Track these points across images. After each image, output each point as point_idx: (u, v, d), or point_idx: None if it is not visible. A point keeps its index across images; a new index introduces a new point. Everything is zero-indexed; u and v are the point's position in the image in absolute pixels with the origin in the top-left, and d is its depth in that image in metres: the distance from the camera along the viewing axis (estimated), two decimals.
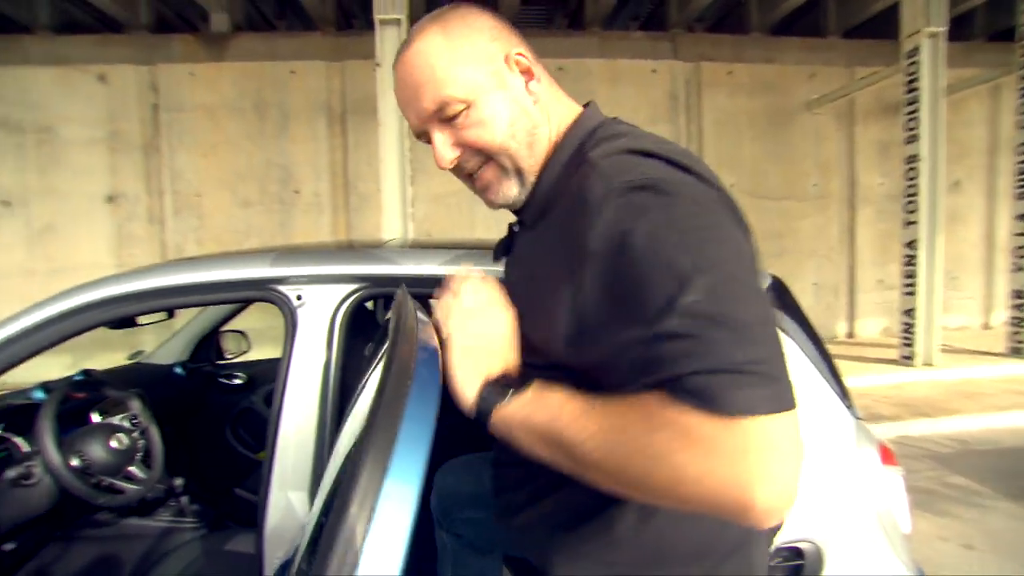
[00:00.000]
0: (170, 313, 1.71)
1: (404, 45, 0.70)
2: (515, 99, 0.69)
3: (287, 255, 1.14)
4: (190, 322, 2.22)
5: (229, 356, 2.26)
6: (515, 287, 0.74)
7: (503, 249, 0.83)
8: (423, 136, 0.72)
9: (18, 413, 1.45)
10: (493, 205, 0.75)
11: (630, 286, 0.53)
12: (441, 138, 0.70)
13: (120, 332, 1.70)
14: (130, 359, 2.20)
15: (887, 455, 1.23)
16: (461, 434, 0.98)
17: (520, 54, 0.70)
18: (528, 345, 0.70)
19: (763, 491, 0.45)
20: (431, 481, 1.20)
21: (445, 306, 0.71)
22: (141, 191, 5.92)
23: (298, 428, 1.03)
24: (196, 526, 1.67)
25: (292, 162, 6.06)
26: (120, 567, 1.57)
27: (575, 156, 0.68)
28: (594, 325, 0.57)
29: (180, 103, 5.87)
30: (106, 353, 2.50)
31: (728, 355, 0.47)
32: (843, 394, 1.29)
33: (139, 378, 1.93)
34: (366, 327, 1.34)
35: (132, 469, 1.42)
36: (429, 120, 0.70)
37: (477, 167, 0.72)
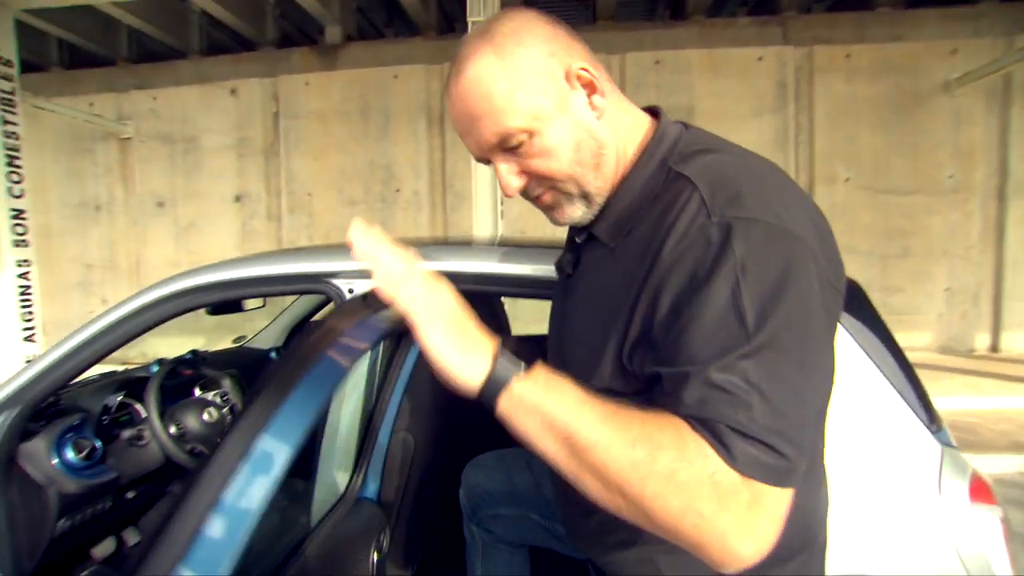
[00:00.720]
0: (239, 304, 1.87)
1: (455, 70, 0.65)
2: (579, 121, 0.66)
3: (341, 251, 1.22)
4: (285, 310, 2.45)
5: None
6: (581, 302, 0.73)
7: (570, 264, 0.79)
8: (485, 161, 0.70)
9: (139, 384, 1.68)
10: (558, 224, 0.73)
11: (699, 320, 0.54)
12: (505, 168, 0.67)
13: (240, 317, 1.93)
14: (234, 343, 2.46)
15: (980, 491, 1.07)
16: (487, 428, 1.00)
17: (582, 68, 0.65)
18: (569, 362, 0.70)
19: (748, 547, 0.50)
20: (459, 476, 1.24)
21: (390, 279, 0.62)
22: (262, 191, 6.57)
23: (344, 413, 1.10)
24: (286, 509, 1.85)
25: (393, 162, 6.39)
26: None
27: (659, 171, 0.65)
28: (652, 346, 0.58)
29: (296, 110, 6.42)
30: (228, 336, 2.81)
31: (758, 424, 0.50)
32: (928, 416, 1.15)
33: (239, 360, 2.16)
34: None
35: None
36: (491, 151, 0.67)
37: (543, 193, 0.70)
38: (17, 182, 5.16)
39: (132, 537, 1.64)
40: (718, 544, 0.50)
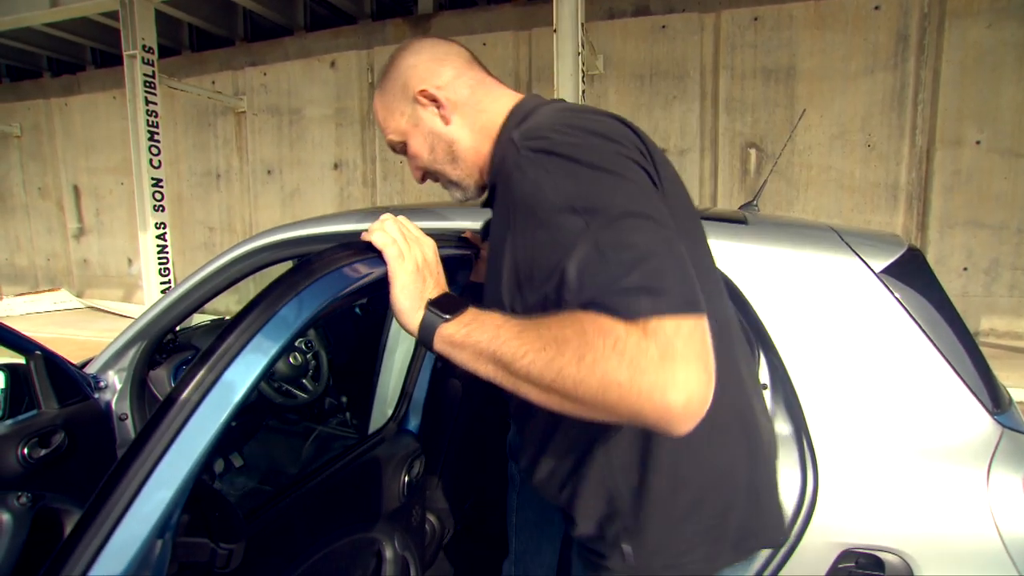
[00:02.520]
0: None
1: None
2: (429, 131, 0.86)
3: (392, 211, 1.33)
4: None
5: None
6: (487, 260, 0.85)
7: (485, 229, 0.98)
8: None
9: None
10: (457, 201, 0.95)
11: (547, 231, 0.63)
12: (408, 163, 0.93)
13: None
14: None
15: None
16: None
17: (422, 92, 0.84)
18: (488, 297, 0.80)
19: (677, 396, 0.52)
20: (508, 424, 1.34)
21: (385, 235, 0.74)
22: (358, 159, 6.96)
23: (396, 355, 1.22)
24: (353, 433, 2.07)
25: None
26: (297, 455, 2.03)
27: (508, 142, 0.74)
28: (529, 269, 0.67)
29: None
30: None
31: (627, 278, 0.56)
32: (991, 396, 1.08)
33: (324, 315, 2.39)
34: (454, 277, 1.51)
35: (304, 382, 1.82)
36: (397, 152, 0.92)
37: (436, 180, 0.93)
38: (156, 155, 5.87)
39: (236, 460, 1.91)
40: (649, 405, 0.52)
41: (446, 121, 0.85)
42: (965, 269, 5.10)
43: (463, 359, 0.64)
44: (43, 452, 1.26)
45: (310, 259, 0.68)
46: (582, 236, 0.59)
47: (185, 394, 0.57)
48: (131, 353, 1.59)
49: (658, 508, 0.76)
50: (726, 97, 5.51)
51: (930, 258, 5.48)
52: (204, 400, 0.57)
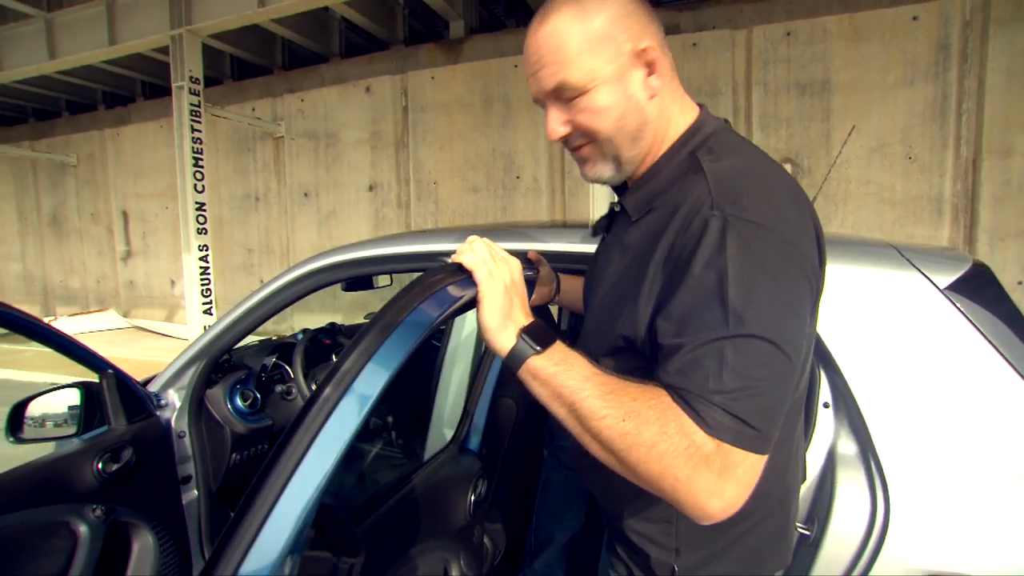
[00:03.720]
0: (370, 281, 2.09)
1: (540, 14, 0.73)
2: (631, 94, 0.73)
3: (460, 233, 1.36)
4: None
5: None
6: (605, 267, 0.83)
7: (602, 227, 0.90)
8: (540, 103, 0.78)
9: (289, 348, 1.99)
10: (587, 179, 0.81)
11: (690, 302, 0.62)
12: (555, 114, 0.75)
13: (371, 295, 2.19)
14: (365, 319, 2.78)
15: None
16: None
17: (649, 47, 0.72)
18: (594, 322, 0.81)
19: (717, 506, 0.58)
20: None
21: (475, 256, 0.75)
22: (392, 180, 7.11)
23: (454, 375, 1.24)
24: (400, 453, 2.09)
25: (514, 150, 6.58)
26: (351, 475, 2.07)
27: (687, 160, 0.74)
28: (662, 318, 0.65)
29: (423, 104, 6.85)
30: (361, 312, 3.15)
31: (729, 397, 0.58)
32: None
33: None
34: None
35: None
36: (547, 96, 0.75)
37: (581, 145, 0.78)
38: (200, 179, 6.11)
39: None
40: (691, 502, 0.58)
41: (651, 95, 0.74)
42: (1020, 283, 4.91)
43: (541, 393, 0.66)
44: (115, 467, 1.31)
45: (415, 283, 0.70)
46: (717, 333, 0.59)
47: (314, 410, 0.60)
48: (190, 372, 1.65)
49: (709, 536, 0.79)
50: (760, 113, 5.47)
51: None
52: (332, 414, 0.60)
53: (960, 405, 1.02)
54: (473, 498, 1.10)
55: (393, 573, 0.87)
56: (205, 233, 6.28)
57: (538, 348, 0.67)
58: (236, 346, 1.89)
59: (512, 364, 0.68)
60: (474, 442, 1.20)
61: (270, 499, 0.56)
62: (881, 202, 5.17)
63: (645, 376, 0.64)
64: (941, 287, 1.08)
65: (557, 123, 0.76)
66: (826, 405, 1.10)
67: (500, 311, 0.71)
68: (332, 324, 2.21)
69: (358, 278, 1.56)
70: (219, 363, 1.80)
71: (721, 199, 0.64)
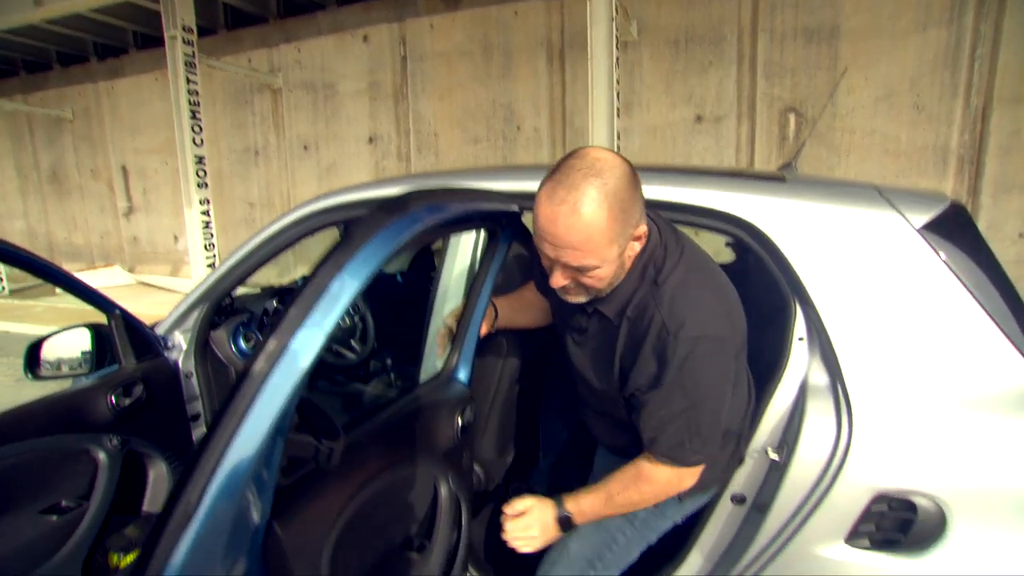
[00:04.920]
0: None
1: (574, 201, 0.88)
2: (623, 261, 0.99)
3: (451, 175, 1.39)
4: None
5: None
6: (586, 345, 1.16)
7: (580, 327, 1.16)
8: (549, 261, 0.98)
9: (289, 293, 2.05)
10: (567, 300, 1.07)
11: (657, 396, 1.02)
12: (562, 274, 0.98)
13: None
14: None
15: None
16: None
17: (643, 228, 0.97)
18: (589, 384, 1.19)
19: (683, 489, 1.12)
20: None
21: (526, 540, 1.15)
22: (392, 132, 7.03)
23: (445, 308, 1.29)
24: (395, 388, 2.18)
25: (514, 100, 6.47)
26: (349, 410, 2.16)
27: (640, 275, 1.03)
28: (639, 400, 1.06)
29: (422, 53, 6.69)
30: None
31: (687, 441, 1.04)
32: None
33: (372, 283, 2.50)
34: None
35: (352, 343, 1.93)
36: (561, 264, 0.96)
37: (574, 289, 1.03)
38: (199, 132, 6.06)
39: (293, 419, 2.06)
40: (676, 493, 1.13)
41: (632, 253, 1.00)
42: (1021, 235, 4.89)
43: (582, 519, 1.16)
44: (127, 401, 1.39)
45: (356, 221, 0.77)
46: (685, 412, 1.01)
47: (301, 299, 0.67)
48: (194, 315, 1.71)
49: None
50: (765, 61, 5.34)
51: (982, 224, 5.25)
52: (316, 305, 0.67)
53: (926, 339, 1.07)
54: (460, 422, 1.17)
55: (383, 483, 0.94)
56: (205, 187, 6.27)
57: (567, 516, 1.15)
58: (238, 293, 1.95)
59: (564, 528, 1.16)
60: (463, 374, 1.27)
61: (258, 380, 0.63)
62: (885, 153, 5.11)
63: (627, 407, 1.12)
64: (917, 226, 1.12)
65: (562, 280, 0.99)
66: (800, 339, 1.15)
67: (550, 534, 1.16)
68: None
69: (351, 221, 1.60)
70: (222, 307, 1.86)
71: (672, 322, 0.97)
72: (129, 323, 1.51)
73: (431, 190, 0.86)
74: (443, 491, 1.10)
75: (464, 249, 1.29)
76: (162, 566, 0.56)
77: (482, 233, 1.29)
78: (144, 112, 8.70)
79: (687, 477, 1.09)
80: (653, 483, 1.09)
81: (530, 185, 1.38)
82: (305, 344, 0.67)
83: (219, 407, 0.63)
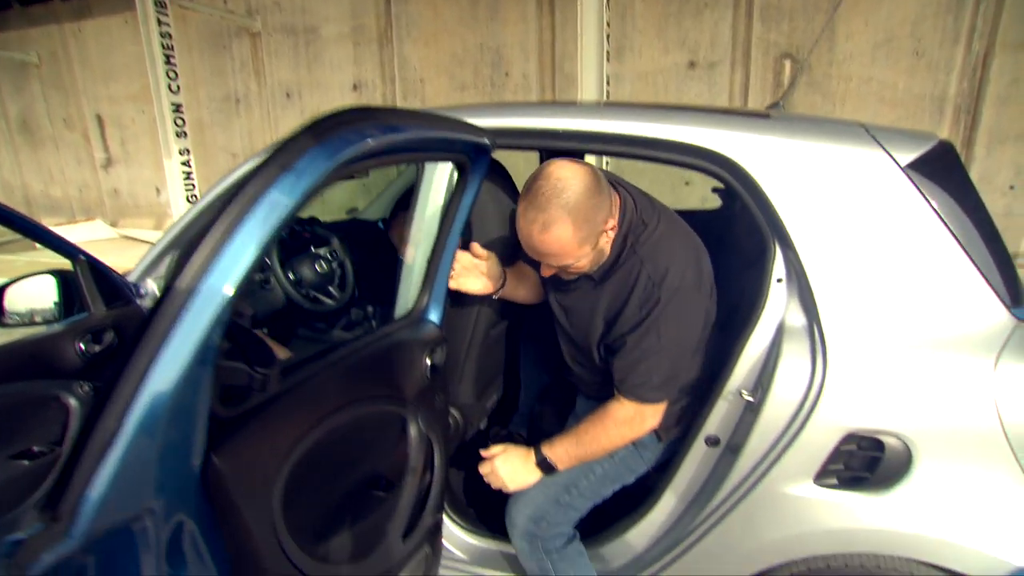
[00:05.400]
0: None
1: (542, 220, 1.06)
2: (600, 248, 1.15)
3: (443, 112, 1.33)
4: (391, 184, 2.67)
5: None
6: (572, 306, 1.31)
7: (567, 284, 1.29)
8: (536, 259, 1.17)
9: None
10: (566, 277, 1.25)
11: (635, 338, 1.16)
12: (545, 267, 1.18)
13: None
14: (347, 214, 2.76)
15: None
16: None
17: (610, 224, 1.13)
18: (573, 340, 1.34)
19: (649, 428, 1.25)
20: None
21: (497, 478, 1.29)
22: (377, 79, 6.79)
23: (418, 246, 1.26)
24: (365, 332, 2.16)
25: (503, 44, 6.23)
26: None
27: (622, 243, 1.18)
28: (610, 343, 1.22)
29: None
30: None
31: (652, 379, 1.17)
32: (1011, 291, 1.08)
33: (351, 229, 2.44)
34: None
35: (331, 289, 1.90)
36: (546, 264, 1.17)
37: (564, 274, 1.22)
38: (174, 79, 5.82)
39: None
40: (642, 432, 1.25)
41: (610, 238, 1.16)
42: (1012, 187, 4.86)
43: (558, 461, 1.28)
44: (97, 348, 1.36)
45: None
46: (654, 353, 1.15)
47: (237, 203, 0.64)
48: (166, 262, 1.67)
49: None
50: (761, 5, 5.13)
51: (974, 175, 5.18)
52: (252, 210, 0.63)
53: (904, 280, 1.06)
54: (430, 362, 1.15)
55: (345, 419, 0.93)
56: (185, 137, 6.08)
57: (544, 459, 1.28)
58: None
59: (543, 469, 1.29)
60: (435, 315, 1.24)
61: (179, 303, 0.60)
62: (881, 102, 5.00)
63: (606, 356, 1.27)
64: (902, 164, 1.08)
65: (549, 272, 1.20)
66: (779, 280, 1.13)
67: (524, 478, 1.30)
68: (312, 218, 2.21)
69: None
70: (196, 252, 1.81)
71: (654, 275, 1.14)
72: (96, 269, 1.46)
73: (380, 107, 0.80)
74: (412, 431, 1.09)
75: (437, 186, 1.24)
76: (77, 499, 0.54)
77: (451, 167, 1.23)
78: (116, 57, 8.32)
79: (649, 416, 1.21)
80: (618, 422, 1.20)
81: (507, 122, 1.33)
82: (231, 264, 0.63)
83: (135, 333, 0.59)
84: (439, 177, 1.25)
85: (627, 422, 1.20)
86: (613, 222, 1.13)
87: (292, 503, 0.81)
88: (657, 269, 1.13)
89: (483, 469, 1.31)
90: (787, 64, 5.19)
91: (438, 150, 1.08)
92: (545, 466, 1.28)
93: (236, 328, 0.72)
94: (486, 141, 1.11)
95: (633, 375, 1.16)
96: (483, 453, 1.32)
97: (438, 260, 1.19)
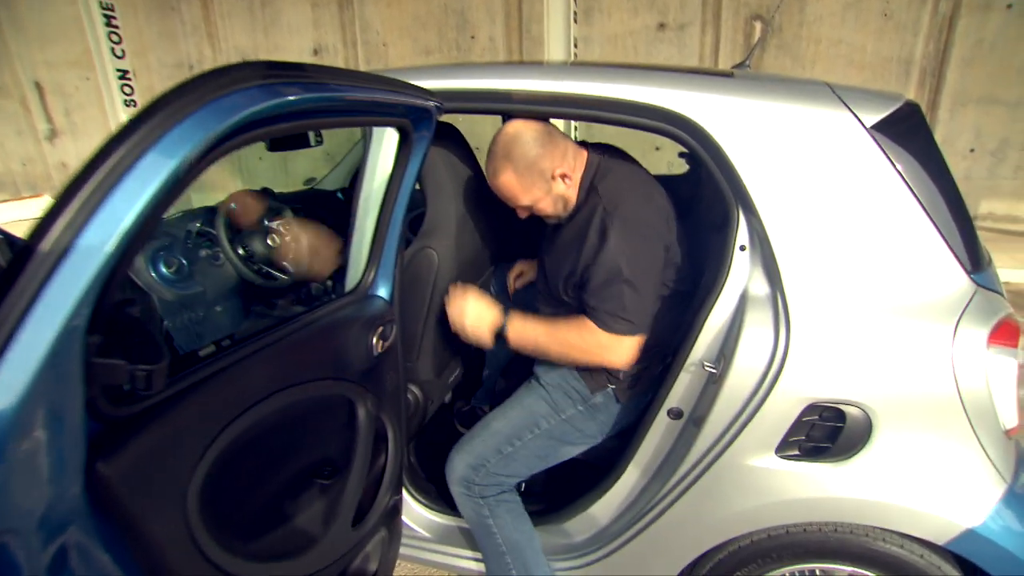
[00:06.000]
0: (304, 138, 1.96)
1: (491, 170, 1.27)
2: (559, 194, 1.28)
3: (391, 73, 1.23)
4: (349, 152, 2.55)
5: None
6: (550, 249, 1.38)
7: (551, 228, 1.41)
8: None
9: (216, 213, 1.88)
10: (549, 222, 1.37)
11: (597, 265, 1.20)
12: (520, 209, 1.32)
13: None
14: (305, 184, 2.63)
15: (1006, 335, 1.00)
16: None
17: (561, 173, 1.25)
18: (547, 282, 1.39)
19: (616, 362, 1.24)
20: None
21: (457, 308, 1.35)
22: (339, 43, 6.49)
23: (366, 217, 1.18)
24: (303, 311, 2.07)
25: (467, 6, 5.99)
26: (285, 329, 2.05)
27: (588, 188, 1.28)
28: (578, 279, 1.26)
29: None
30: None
31: (619, 307, 1.19)
32: (969, 255, 1.05)
33: (309, 200, 2.32)
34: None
35: (285, 264, 1.80)
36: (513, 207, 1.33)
37: (534, 215, 1.34)
38: (118, 43, 5.46)
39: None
40: (601, 364, 1.26)
41: (567, 186, 1.27)
42: (972, 151, 4.93)
43: (516, 345, 1.32)
44: None
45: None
46: (616, 277, 1.18)
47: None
48: None
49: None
50: None
51: (938, 138, 5.24)
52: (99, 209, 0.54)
53: (867, 246, 1.02)
54: (375, 340, 1.09)
55: (276, 407, 0.86)
56: (134, 105, 5.75)
57: (505, 328, 1.32)
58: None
59: (501, 337, 1.33)
60: (383, 290, 1.17)
61: (29, 292, 0.51)
62: (850, 64, 4.98)
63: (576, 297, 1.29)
64: (868, 125, 1.04)
65: (522, 214, 1.34)
66: (742, 248, 1.09)
67: (480, 328, 1.33)
68: (265, 189, 2.09)
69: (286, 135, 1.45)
70: None
71: (609, 206, 1.21)
72: (12, 244, 1.34)
73: (293, 63, 0.71)
74: (361, 413, 1.03)
75: (385, 154, 1.16)
76: None
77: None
78: (51, 18, 7.74)
79: (616, 350, 1.22)
80: (587, 335, 1.22)
81: (456, 84, 1.24)
82: (97, 239, 0.53)
83: None
84: (387, 144, 1.16)
85: (596, 344, 1.21)
86: (564, 170, 1.24)
87: (214, 503, 0.75)
88: (612, 201, 1.22)
89: (453, 296, 1.36)
90: (757, 25, 5.11)
91: (371, 114, 0.98)
92: (503, 330, 1.31)
93: (120, 318, 0.64)
94: (431, 104, 1.02)
95: (601, 303, 1.19)
96: (457, 288, 1.37)
97: (384, 232, 1.11)
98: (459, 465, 1.34)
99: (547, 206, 1.28)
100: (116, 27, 5.39)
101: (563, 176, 1.25)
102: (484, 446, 1.33)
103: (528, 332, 1.29)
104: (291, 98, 0.68)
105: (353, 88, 0.80)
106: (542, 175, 1.23)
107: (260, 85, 0.64)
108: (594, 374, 1.32)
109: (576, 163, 1.28)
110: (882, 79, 4.93)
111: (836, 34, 4.92)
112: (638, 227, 1.20)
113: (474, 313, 1.33)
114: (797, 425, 1.04)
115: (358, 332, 1.05)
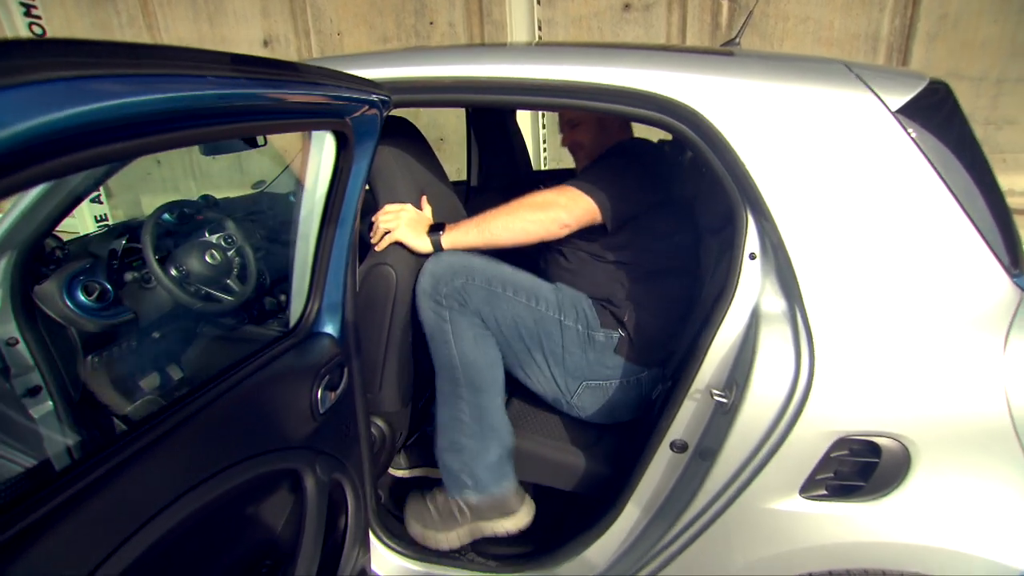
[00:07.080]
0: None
1: None
2: (596, 134, 1.47)
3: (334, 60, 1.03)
4: (299, 154, 2.32)
5: None
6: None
7: None
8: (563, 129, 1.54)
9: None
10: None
11: (595, 172, 1.31)
12: (565, 136, 1.52)
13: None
14: (253, 188, 2.39)
15: None
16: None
17: (615, 126, 1.49)
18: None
19: (558, 218, 1.23)
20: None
21: (387, 218, 1.25)
22: (290, 33, 6.14)
23: (305, 244, 0.99)
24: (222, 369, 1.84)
25: None
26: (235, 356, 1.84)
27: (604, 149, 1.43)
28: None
29: None
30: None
31: (584, 184, 1.27)
32: (1012, 257, 0.91)
33: (259, 205, 2.09)
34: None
35: (229, 283, 1.58)
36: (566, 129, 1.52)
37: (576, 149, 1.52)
38: (40, 35, 5.02)
39: (175, 372, 1.68)
40: (551, 223, 1.23)
41: (606, 137, 1.46)
42: None
43: (459, 244, 1.24)
44: None
45: None
46: (600, 180, 1.26)
47: None
48: (0, 268, 1.32)
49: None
50: None
51: None
52: None
53: (900, 251, 0.88)
54: (321, 392, 0.90)
55: (196, 505, 0.66)
56: None
57: (441, 232, 1.24)
58: (63, 231, 1.54)
59: (438, 249, 1.24)
60: (330, 325, 0.99)
61: None
62: (818, 41, 4.90)
63: None
64: (893, 109, 0.89)
65: (567, 139, 1.52)
66: (752, 256, 0.94)
67: (413, 235, 1.23)
68: (205, 196, 1.85)
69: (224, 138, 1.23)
70: (46, 254, 1.46)
71: (613, 147, 1.41)
72: None
73: (150, 45, 0.49)
74: (309, 484, 0.84)
75: (326, 160, 0.96)
76: None
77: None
78: None
79: (562, 203, 1.21)
80: (535, 196, 1.22)
81: (407, 72, 1.05)
82: None
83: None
84: (328, 149, 0.96)
85: (540, 204, 1.20)
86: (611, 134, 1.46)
87: None
88: (617, 147, 1.41)
89: (389, 209, 1.26)
90: (724, 4, 4.99)
91: (285, 117, 0.74)
92: (437, 242, 1.23)
93: None
94: (376, 98, 0.83)
95: (572, 184, 1.25)
96: (390, 208, 1.26)
97: (326, 257, 0.92)
98: (442, 264, 1.19)
99: (587, 138, 1.47)
100: (38, 18, 4.95)
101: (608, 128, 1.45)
102: (481, 263, 1.22)
103: (470, 221, 1.24)
104: (135, 99, 0.46)
105: (254, 83, 0.58)
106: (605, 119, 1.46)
107: (70, 78, 0.41)
108: (607, 309, 1.30)
109: (623, 133, 1.50)
110: (850, 55, 4.87)
111: (803, 11, 4.83)
112: (627, 155, 1.35)
113: (411, 226, 1.23)
114: (825, 462, 0.89)
115: (298, 386, 0.86)
